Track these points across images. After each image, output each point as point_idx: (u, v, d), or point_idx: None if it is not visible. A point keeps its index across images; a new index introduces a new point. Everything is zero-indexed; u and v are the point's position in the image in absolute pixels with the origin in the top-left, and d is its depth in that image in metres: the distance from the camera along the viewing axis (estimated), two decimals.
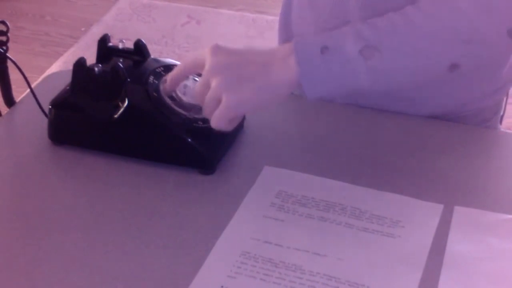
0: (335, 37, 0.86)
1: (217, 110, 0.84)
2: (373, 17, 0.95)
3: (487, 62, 1.02)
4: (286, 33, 1.13)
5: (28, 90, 1.00)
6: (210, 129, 0.90)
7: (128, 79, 0.92)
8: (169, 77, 0.92)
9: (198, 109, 0.93)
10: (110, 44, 0.97)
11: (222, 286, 0.77)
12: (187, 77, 0.95)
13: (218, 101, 0.84)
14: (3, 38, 0.98)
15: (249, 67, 0.85)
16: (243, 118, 0.99)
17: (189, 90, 0.94)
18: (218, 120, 0.85)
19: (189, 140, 0.91)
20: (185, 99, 0.93)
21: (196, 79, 0.96)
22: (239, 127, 0.98)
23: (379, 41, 0.84)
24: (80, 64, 0.93)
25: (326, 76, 0.85)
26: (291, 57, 0.85)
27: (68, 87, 0.96)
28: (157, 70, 0.95)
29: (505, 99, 1.16)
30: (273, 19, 1.14)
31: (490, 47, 0.88)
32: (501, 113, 1.15)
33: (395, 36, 0.85)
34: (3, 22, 0.98)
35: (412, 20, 0.85)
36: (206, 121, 0.92)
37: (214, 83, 0.84)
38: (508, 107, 1.21)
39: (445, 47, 0.86)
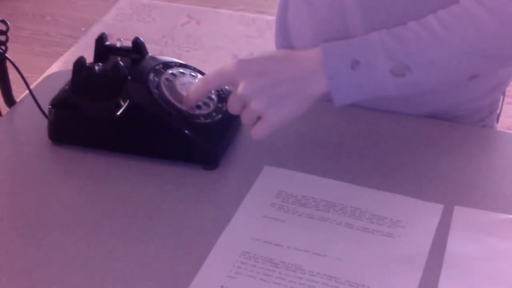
0: (365, 50, 0.87)
1: (259, 126, 0.88)
2: (371, 17, 0.95)
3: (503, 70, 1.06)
4: (283, 32, 1.13)
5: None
6: (211, 125, 0.90)
7: (129, 77, 0.92)
8: (193, 90, 0.92)
9: (198, 105, 0.93)
10: (108, 43, 0.97)
11: (222, 286, 0.77)
12: (187, 75, 0.95)
13: (258, 117, 0.87)
14: (3, 38, 0.98)
15: (284, 85, 0.87)
16: None
17: (189, 86, 0.94)
18: (261, 134, 0.88)
19: (192, 135, 0.91)
20: (185, 95, 0.93)
21: (193, 74, 0.96)
22: (239, 122, 0.99)
23: (408, 60, 0.87)
24: (80, 64, 0.93)
25: (356, 89, 0.88)
26: (321, 70, 0.87)
27: (67, 87, 0.96)
28: (156, 67, 0.95)
29: (501, 98, 1.16)
30: (273, 19, 1.14)
31: (509, 60, 0.92)
32: (498, 111, 1.16)
33: (422, 53, 0.87)
34: (3, 21, 0.98)
35: (436, 35, 0.86)
36: (207, 116, 0.93)
37: (253, 105, 0.86)
38: (507, 107, 1.21)
39: (468, 62, 0.89)
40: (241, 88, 0.87)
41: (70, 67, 0.94)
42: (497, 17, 0.85)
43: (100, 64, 0.93)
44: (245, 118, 0.89)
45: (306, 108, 0.89)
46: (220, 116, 0.94)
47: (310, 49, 0.90)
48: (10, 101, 1.05)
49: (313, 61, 0.88)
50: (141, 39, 0.97)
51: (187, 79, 0.96)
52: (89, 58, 0.96)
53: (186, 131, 0.91)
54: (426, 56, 0.87)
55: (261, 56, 0.91)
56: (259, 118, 0.88)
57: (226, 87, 0.98)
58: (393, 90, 0.88)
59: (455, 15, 0.87)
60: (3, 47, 0.99)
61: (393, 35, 0.87)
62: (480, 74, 0.94)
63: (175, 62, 0.98)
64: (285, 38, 1.13)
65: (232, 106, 0.89)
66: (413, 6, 0.93)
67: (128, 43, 0.97)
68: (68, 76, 0.95)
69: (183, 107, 0.92)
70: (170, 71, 0.96)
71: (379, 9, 0.96)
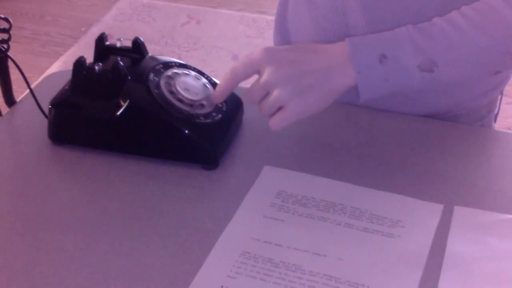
0: (393, 45, 0.88)
1: (280, 115, 0.86)
2: (372, 15, 0.95)
3: None
4: (282, 31, 1.13)
5: (28, 90, 1.00)
6: (212, 124, 0.90)
7: (129, 77, 0.92)
8: (223, 83, 0.91)
9: (198, 105, 0.93)
10: (108, 43, 0.98)
11: (222, 286, 0.77)
12: (187, 75, 0.95)
13: (280, 107, 0.86)
14: (5, 36, 0.98)
15: (310, 76, 0.86)
16: (242, 113, 1.00)
17: (189, 86, 0.94)
18: (281, 124, 0.87)
19: (192, 135, 0.91)
20: (185, 94, 0.93)
21: (193, 74, 0.96)
22: (239, 122, 0.99)
23: (436, 56, 0.87)
24: (80, 63, 0.93)
25: (382, 84, 0.88)
26: (349, 64, 0.87)
27: (67, 87, 0.96)
28: (156, 67, 0.95)
29: (499, 97, 1.16)
30: (273, 19, 1.15)
31: None
32: (496, 111, 1.16)
33: (449, 50, 0.87)
34: (6, 19, 0.98)
35: (463, 32, 0.87)
36: (207, 116, 0.93)
37: (276, 92, 0.85)
38: (507, 106, 1.21)
39: (493, 59, 0.90)
40: (267, 75, 0.86)
41: (70, 67, 0.94)
42: None
43: (100, 64, 0.93)
44: (266, 107, 0.87)
45: (329, 102, 0.89)
46: (220, 116, 0.94)
47: (337, 43, 0.89)
48: (10, 101, 1.05)
49: (340, 55, 0.88)
50: (141, 39, 0.97)
51: (187, 79, 0.96)
52: (89, 58, 0.96)
53: (186, 131, 0.91)
54: (453, 53, 0.87)
55: (289, 46, 0.91)
56: (279, 108, 0.87)
57: None
58: (418, 85, 0.89)
59: (481, 12, 0.87)
60: (5, 46, 0.99)
61: (420, 30, 0.88)
62: (503, 70, 0.95)
63: (175, 62, 0.98)
64: (284, 37, 1.13)
65: (253, 94, 0.88)
66: (414, 4, 0.93)
67: (128, 43, 0.97)
68: (68, 76, 0.95)
69: (183, 107, 0.92)
70: (170, 71, 0.96)
71: (380, 7, 0.96)
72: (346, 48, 0.88)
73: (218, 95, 0.92)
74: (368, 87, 0.88)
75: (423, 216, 0.86)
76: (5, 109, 1.06)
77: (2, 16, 0.99)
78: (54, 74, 1.19)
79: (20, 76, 0.98)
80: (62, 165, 0.96)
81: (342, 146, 0.98)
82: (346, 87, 0.88)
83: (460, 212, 0.86)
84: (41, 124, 0.97)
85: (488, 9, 0.87)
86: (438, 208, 0.87)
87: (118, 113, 0.91)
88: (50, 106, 0.95)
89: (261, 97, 0.87)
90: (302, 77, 0.86)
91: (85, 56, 0.94)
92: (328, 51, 0.89)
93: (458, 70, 0.89)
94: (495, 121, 1.17)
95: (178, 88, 0.93)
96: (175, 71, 0.96)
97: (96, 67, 0.92)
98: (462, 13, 0.88)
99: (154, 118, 0.92)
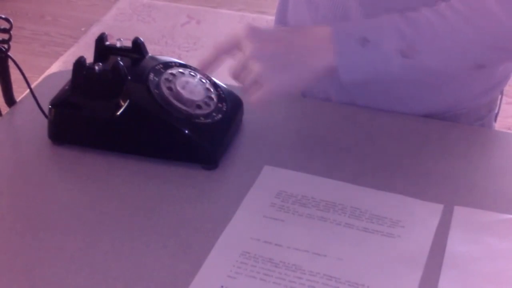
0: (376, 29, 0.88)
1: (259, 93, 0.88)
2: (373, 13, 0.95)
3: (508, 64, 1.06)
4: None
5: (28, 90, 1.00)
6: (212, 124, 0.90)
7: (129, 77, 0.92)
8: (206, 56, 0.92)
9: (198, 105, 0.93)
10: (108, 43, 0.97)
11: (222, 286, 0.77)
12: (187, 75, 0.95)
13: (259, 84, 0.87)
14: (6, 36, 0.98)
15: (292, 54, 0.88)
16: (242, 113, 1.00)
17: (189, 86, 0.94)
18: (259, 101, 0.88)
19: (192, 135, 0.92)
20: (185, 95, 0.93)
21: (193, 74, 0.96)
22: (239, 122, 1.00)
23: (418, 43, 0.87)
24: (80, 63, 0.93)
25: (363, 67, 0.88)
26: (330, 45, 0.87)
27: (67, 87, 0.96)
28: (156, 67, 0.95)
29: (499, 97, 1.16)
30: (273, 19, 1.15)
31: None
32: (496, 111, 1.16)
33: (433, 39, 0.87)
34: (7, 19, 0.98)
35: (449, 23, 0.87)
36: (207, 116, 0.93)
37: (257, 68, 0.87)
38: (507, 106, 1.21)
39: (477, 52, 0.89)
40: (250, 50, 0.87)
41: (70, 67, 0.94)
42: (509, 8, 0.85)
43: (100, 64, 0.93)
44: (246, 82, 0.88)
45: (308, 81, 0.89)
46: (220, 116, 0.94)
47: (322, 26, 0.90)
48: (10, 100, 1.05)
49: (323, 36, 0.88)
50: (141, 39, 0.97)
51: (187, 79, 0.96)
52: (89, 58, 0.96)
53: (186, 131, 0.91)
54: (436, 41, 0.87)
55: (273, 26, 0.92)
56: (259, 85, 0.88)
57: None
58: (399, 71, 0.88)
59: (468, 4, 0.87)
60: (6, 46, 0.99)
61: (406, 18, 0.88)
62: (487, 65, 0.94)
63: (175, 62, 0.98)
64: None
65: (235, 69, 0.89)
66: (413, 5, 0.93)
67: (128, 43, 0.97)
68: (68, 76, 0.95)
69: (183, 107, 0.92)
70: (170, 71, 0.96)
71: (380, 6, 0.96)
72: (330, 30, 0.88)
73: (201, 67, 0.93)
74: (348, 68, 0.88)
75: (423, 216, 0.86)
76: (5, 109, 1.06)
77: (3, 16, 0.99)
78: (54, 74, 1.19)
79: (20, 76, 0.98)
80: (62, 165, 0.96)
81: (342, 146, 0.98)
82: (326, 67, 0.88)
83: (460, 212, 0.86)
84: (41, 124, 0.97)
85: (476, 2, 0.87)
86: (438, 208, 0.87)
87: (118, 113, 0.91)
88: (50, 106, 0.95)
89: (240, 72, 0.89)
90: (284, 54, 0.87)
91: (85, 56, 0.94)
92: (311, 32, 0.91)
93: (440, 59, 0.89)
94: (495, 121, 1.17)
95: (178, 88, 0.93)
96: (175, 71, 0.96)
97: (96, 67, 0.92)
98: (450, 5, 0.88)
99: (154, 118, 0.92)
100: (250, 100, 0.89)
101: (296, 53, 0.88)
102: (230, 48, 0.90)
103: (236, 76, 0.90)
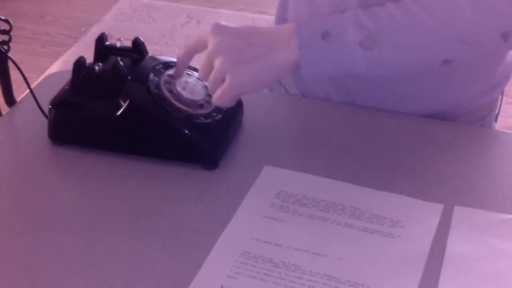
0: (337, 23, 0.87)
1: (220, 89, 0.87)
2: None
3: (478, 59, 1.03)
4: None
5: (28, 90, 1.00)
6: (212, 124, 0.90)
7: (129, 77, 0.92)
8: (178, 61, 0.94)
9: (198, 105, 0.93)
10: (108, 43, 0.98)
11: (222, 286, 0.77)
12: (187, 75, 0.95)
13: (222, 80, 0.87)
14: (5, 37, 0.98)
15: (252, 49, 0.87)
16: (242, 113, 1.00)
17: (189, 86, 0.94)
18: (221, 98, 0.88)
19: (192, 135, 0.92)
20: (185, 95, 0.93)
21: (193, 74, 0.97)
22: (239, 122, 0.99)
23: (379, 34, 0.86)
24: (80, 63, 0.93)
25: (325, 60, 0.88)
26: (292, 40, 0.87)
27: (67, 87, 0.96)
28: (156, 67, 0.95)
29: (500, 97, 1.16)
30: (273, 19, 1.15)
31: (483, 47, 0.89)
32: (496, 111, 1.16)
33: (394, 31, 0.86)
34: (7, 21, 0.98)
35: (412, 15, 0.86)
36: (207, 116, 0.93)
37: (217, 63, 0.86)
38: (507, 106, 1.21)
39: (441, 45, 0.87)
40: (210, 46, 0.87)
41: (70, 67, 0.94)
42: (474, 1, 0.84)
43: (100, 64, 0.93)
44: (211, 80, 0.88)
45: (272, 78, 0.89)
46: (220, 116, 0.94)
47: (287, 23, 0.90)
48: (10, 101, 1.05)
49: (286, 32, 0.88)
50: (141, 39, 0.97)
51: (186, 79, 0.96)
52: (89, 58, 0.96)
53: (186, 131, 0.91)
54: (398, 33, 0.86)
55: (239, 25, 0.92)
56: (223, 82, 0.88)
57: None
58: (363, 66, 0.87)
59: None
60: (6, 47, 0.99)
61: (368, 12, 0.87)
62: (454, 60, 0.91)
63: (175, 62, 0.98)
64: None
65: (202, 68, 0.89)
66: None
67: (128, 43, 0.97)
68: (68, 76, 0.95)
69: (183, 107, 0.92)
70: (170, 71, 0.96)
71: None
72: (293, 25, 0.88)
73: (177, 69, 0.95)
74: (310, 62, 0.88)
75: (423, 216, 0.86)
76: (5, 109, 1.06)
77: (3, 17, 0.99)
78: (54, 74, 1.19)
79: (20, 76, 0.98)
80: (62, 165, 0.96)
81: (342, 146, 0.98)
82: (289, 62, 0.88)
83: (460, 212, 0.86)
84: (41, 124, 0.97)
85: None
86: (438, 208, 0.87)
87: (118, 113, 0.91)
88: (50, 106, 0.95)
89: (209, 71, 0.88)
90: (245, 48, 0.87)
91: (85, 56, 0.94)
92: (275, 29, 0.91)
93: (402, 52, 0.87)
94: (495, 121, 1.17)
95: (178, 88, 0.94)
96: (175, 71, 0.96)
97: (96, 67, 0.92)
98: None
99: (154, 118, 0.92)
100: (213, 100, 0.89)
101: (257, 48, 0.87)
102: (199, 46, 0.91)
103: (202, 76, 0.90)
